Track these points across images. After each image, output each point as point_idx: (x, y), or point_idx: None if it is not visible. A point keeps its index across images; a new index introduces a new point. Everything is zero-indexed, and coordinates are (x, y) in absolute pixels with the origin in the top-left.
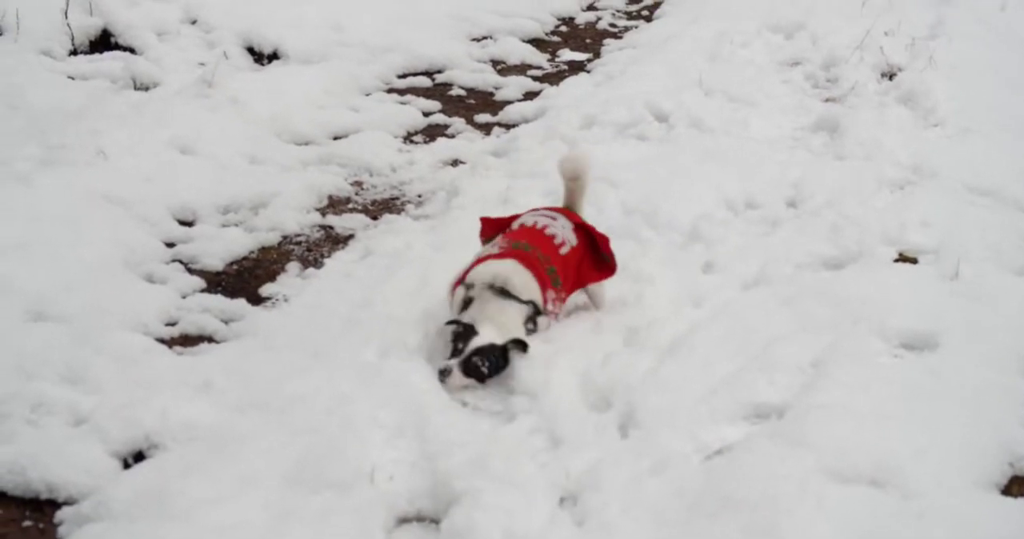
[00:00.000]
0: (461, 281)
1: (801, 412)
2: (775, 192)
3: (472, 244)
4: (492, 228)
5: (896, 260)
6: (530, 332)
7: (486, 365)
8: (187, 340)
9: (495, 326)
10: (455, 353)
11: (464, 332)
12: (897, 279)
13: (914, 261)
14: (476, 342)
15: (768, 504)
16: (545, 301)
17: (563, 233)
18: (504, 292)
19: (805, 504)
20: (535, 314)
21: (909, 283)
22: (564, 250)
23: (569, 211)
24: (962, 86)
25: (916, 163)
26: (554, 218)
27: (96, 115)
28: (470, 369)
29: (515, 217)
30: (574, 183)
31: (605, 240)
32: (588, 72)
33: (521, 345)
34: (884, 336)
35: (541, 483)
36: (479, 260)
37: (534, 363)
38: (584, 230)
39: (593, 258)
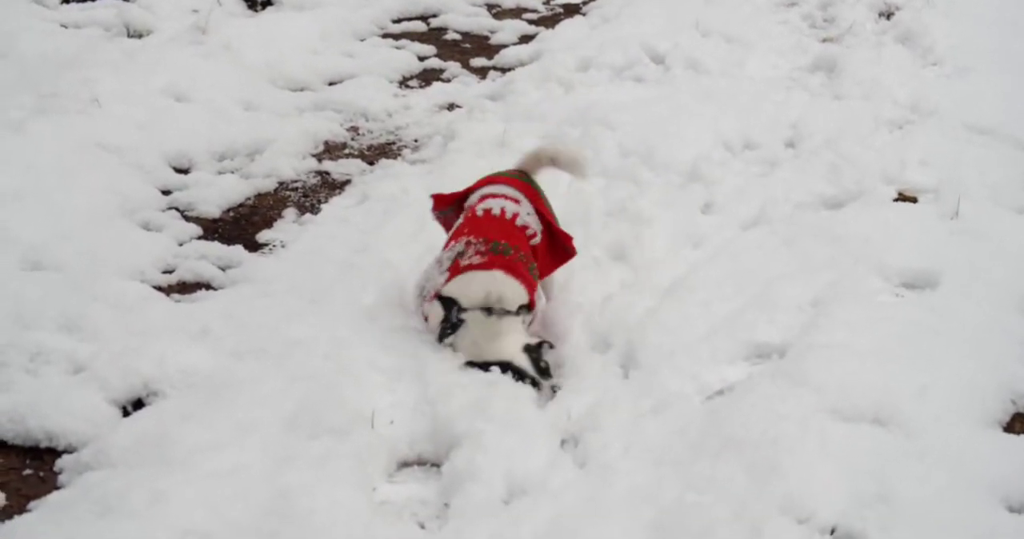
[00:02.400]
0: (437, 295)
1: (802, 351)
2: (773, 132)
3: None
4: (445, 203)
5: (896, 199)
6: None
7: (544, 365)
8: (184, 287)
9: (512, 343)
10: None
11: (507, 369)
12: (897, 218)
13: (914, 200)
14: (522, 366)
15: (770, 444)
16: (533, 304)
17: (531, 221)
18: (500, 309)
19: (807, 444)
20: (527, 314)
21: (909, 222)
22: (535, 241)
23: (528, 186)
24: (960, 25)
25: (914, 102)
26: (518, 201)
27: (89, 63)
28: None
29: (470, 190)
30: (555, 166)
31: (568, 238)
32: (583, 15)
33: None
34: (884, 275)
35: (542, 425)
36: (457, 268)
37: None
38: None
39: (549, 244)
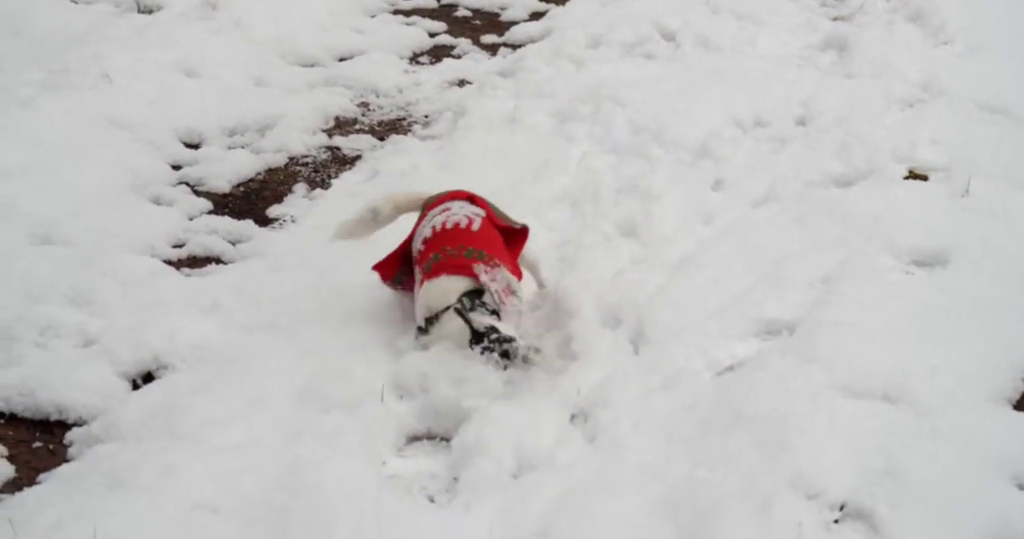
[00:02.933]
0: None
1: (812, 329)
2: (784, 110)
3: (478, 164)
4: (392, 266)
5: (906, 177)
6: (476, 306)
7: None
8: (194, 261)
9: (453, 292)
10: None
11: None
12: (907, 196)
13: (924, 178)
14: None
15: (780, 420)
16: (477, 277)
17: (463, 211)
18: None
19: (817, 420)
20: (477, 301)
21: (920, 200)
22: (475, 226)
23: (463, 192)
24: (971, 4)
25: (925, 81)
26: (448, 209)
27: (99, 39)
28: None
29: (408, 241)
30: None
31: (525, 233)
32: None
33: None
34: (895, 253)
35: (552, 400)
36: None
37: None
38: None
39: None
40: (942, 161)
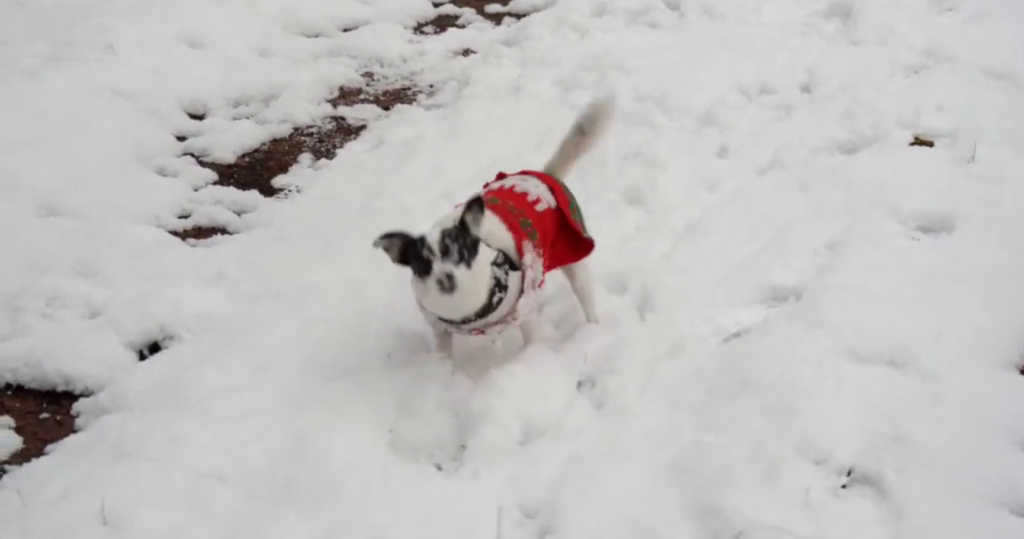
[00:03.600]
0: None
1: (818, 294)
2: (789, 77)
3: (483, 133)
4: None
5: (911, 143)
6: (500, 285)
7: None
8: (200, 232)
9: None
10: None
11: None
12: (913, 162)
13: (930, 144)
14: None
15: (786, 386)
16: (521, 252)
17: (537, 191)
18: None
19: (823, 386)
20: (506, 263)
21: (925, 166)
22: (540, 207)
23: (548, 177)
24: None
25: (930, 47)
26: (524, 180)
27: (104, 10)
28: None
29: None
30: (587, 135)
31: (577, 228)
32: None
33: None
34: (900, 219)
35: (558, 367)
36: None
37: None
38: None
39: (569, 236)
40: (947, 127)
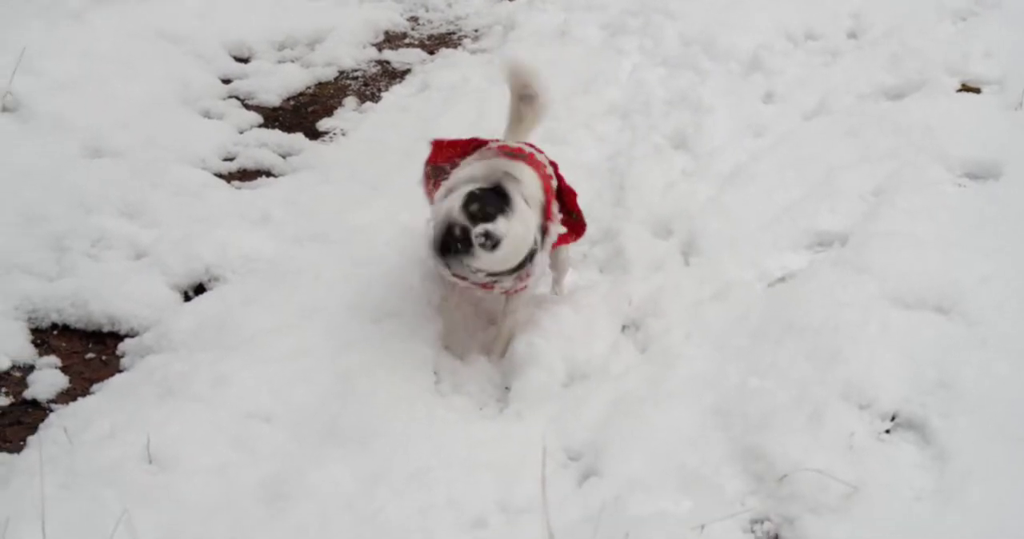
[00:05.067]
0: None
1: (864, 240)
2: (835, 23)
3: None
4: (445, 154)
5: (959, 90)
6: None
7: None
8: (245, 174)
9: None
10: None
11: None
12: (959, 108)
13: (977, 91)
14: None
15: (831, 331)
16: (549, 216)
17: (543, 157)
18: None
19: (868, 331)
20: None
21: (972, 112)
22: (552, 183)
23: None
24: None
25: None
26: (539, 152)
27: None
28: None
29: (474, 143)
30: (525, 103)
31: (573, 195)
32: None
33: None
34: (947, 164)
35: (603, 310)
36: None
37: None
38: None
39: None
40: (995, 74)
